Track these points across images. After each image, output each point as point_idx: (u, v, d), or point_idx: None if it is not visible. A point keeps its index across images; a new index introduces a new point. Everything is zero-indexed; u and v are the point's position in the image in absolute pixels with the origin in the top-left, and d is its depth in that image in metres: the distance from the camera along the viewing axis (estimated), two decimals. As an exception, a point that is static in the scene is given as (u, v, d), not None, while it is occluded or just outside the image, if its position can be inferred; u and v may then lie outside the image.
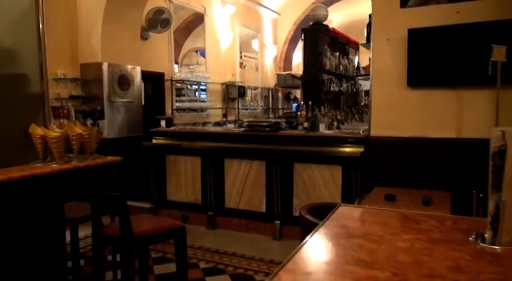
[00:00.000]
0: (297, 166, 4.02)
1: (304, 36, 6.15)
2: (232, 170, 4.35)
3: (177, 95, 7.06)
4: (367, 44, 4.06)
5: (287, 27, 10.56)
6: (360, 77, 7.24)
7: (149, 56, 6.19)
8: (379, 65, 3.61)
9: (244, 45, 9.19)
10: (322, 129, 4.41)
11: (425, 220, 1.04)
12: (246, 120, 4.44)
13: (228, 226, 4.37)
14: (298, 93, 11.47)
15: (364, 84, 8.26)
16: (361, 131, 4.12)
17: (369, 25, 3.89)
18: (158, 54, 6.47)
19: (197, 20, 7.89)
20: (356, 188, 3.73)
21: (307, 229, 2.84)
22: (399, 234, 0.94)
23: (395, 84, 3.53)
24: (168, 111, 6.69)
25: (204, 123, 7.35)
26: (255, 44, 9.65)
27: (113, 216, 2.52)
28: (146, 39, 6.13)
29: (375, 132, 3.64)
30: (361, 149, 3.70)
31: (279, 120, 4.32)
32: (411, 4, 3.46)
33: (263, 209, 4.21)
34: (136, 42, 5.81)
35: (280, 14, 10.43)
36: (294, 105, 11.04)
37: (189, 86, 7.51)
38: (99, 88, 5.06)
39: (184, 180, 4.64)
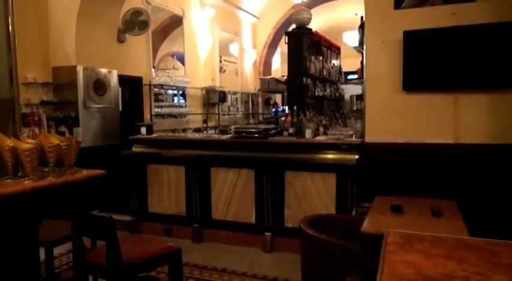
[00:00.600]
0: (288, 174, 3.83)
1: (288, 40, 6.00)
2: (219, 179, 4.11)
3: (156, 101, 6.76)
4: (360, 47, 3.93)
5: (266, 32, 10.43)
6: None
7: (126, 60, 5.88)
8: (374, 69, 3.47)
9: (224, 50, 8.98)
10: (308, 135, 4.27)
11: (503, 251, 0.87)
12: (233, 126, 4.22)
13: (215, 239, 4.12)
14: (278, 98, 11.35)
15: (346, 89, 8.21)
16: (353, 137, 3.98)
17: (362, 27, 3.76)
18: (136, 57, 6.16)
19: (174, 23, 7.62)
20: (351, 197, 3.57)
21: (309, 244, 2.65)
22: (487, 274, 0.76)
23: (391, 88, 3.40)
24: (147, 117, 6.38)
25: (184, 130, 7.09)
26: (234, 48, 9.45)
27: (94, 238, 2.24)
28: (123, 41, 5.83)
29: (370, 138, 3.49)
30: (356, 156, 3.55)
31: (268, 126, 4.12)
32: (406, 5, 3.35)
33: (252, 220, 3.99)
34: (112, 45, 5.50)
35: (259, 18, 10.29)
36: (274, 110, 10.91)
37: (168, 91, 7.22)
38: (73, 93, 4.72)
39: (167, 190, 4.36)
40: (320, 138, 3.91)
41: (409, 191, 3.22)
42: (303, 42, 5.97)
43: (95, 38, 5.09)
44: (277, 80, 6.65)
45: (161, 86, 6.59)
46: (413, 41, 3.25)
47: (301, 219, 2.69)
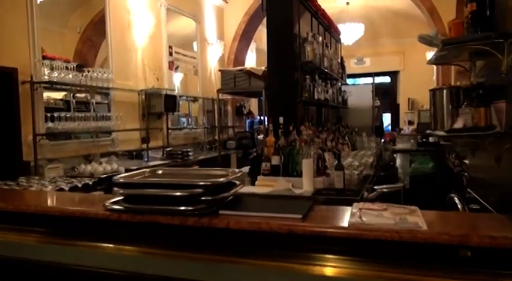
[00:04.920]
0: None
1: (267, 5, 3.49)
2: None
3: (56, 110, 4.09)
4: None
5: (237, 19, 7.93)
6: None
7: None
8: None
9: (178, 39, 6.42)
10: (308, 170, 2.29)
11: None
12: (119, 176, 1.55)
13: None
14: (253, 104, 8.84)
15: (350, 93, 5.77)
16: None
17: None
18: (4, 35, 3.52)
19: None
20: None
21: None
22: None
23: None
24: (28, 138, 3.71)
25: (107, 155, 4.49)
26: (193, 38, 6.91)
27: None
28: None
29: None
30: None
31: (223, 173, 1.51)
32: None
33: None
34: None
35: (227, 2, 7.81)
36: (249, 121, 8.39)
37: (87, 96, 4.57)
38: None
39: None
40: (374, 222, 1.30)
41: None
42: (294, 10, 3.48)
43: None
44: (249, 73, 4.11)
45: (53, 84, 3.89)
46: None
47: None
